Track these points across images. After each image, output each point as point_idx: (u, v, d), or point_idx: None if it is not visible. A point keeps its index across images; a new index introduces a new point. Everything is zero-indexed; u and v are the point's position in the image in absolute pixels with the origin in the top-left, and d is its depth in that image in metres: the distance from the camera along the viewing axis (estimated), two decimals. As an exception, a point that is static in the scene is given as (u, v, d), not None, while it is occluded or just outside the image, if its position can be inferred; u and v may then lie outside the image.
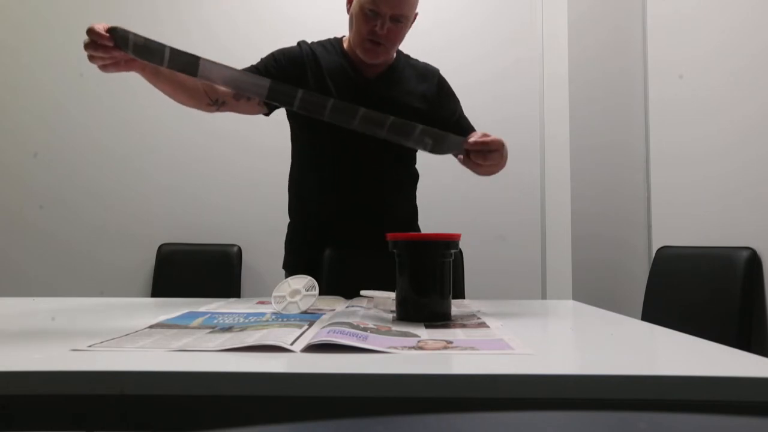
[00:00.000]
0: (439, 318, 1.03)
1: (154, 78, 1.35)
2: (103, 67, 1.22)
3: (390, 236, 1.07)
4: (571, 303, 1.48)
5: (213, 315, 1.09)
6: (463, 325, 0.98)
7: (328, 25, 1.89)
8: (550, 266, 2.81)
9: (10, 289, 2.73)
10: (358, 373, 0.66)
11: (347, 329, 0.86)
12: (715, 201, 2.31)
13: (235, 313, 1.11)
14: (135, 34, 1.18)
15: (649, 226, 2.72)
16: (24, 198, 2.89)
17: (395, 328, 0.94)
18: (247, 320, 1.01)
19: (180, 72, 1.26)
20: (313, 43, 1.61)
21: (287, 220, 1.68)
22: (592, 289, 2.75)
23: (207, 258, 2.83)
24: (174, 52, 1.22)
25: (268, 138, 2.57)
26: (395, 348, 0.78)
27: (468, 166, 1.42)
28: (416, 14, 1.51)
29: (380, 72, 1.58)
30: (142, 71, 1.30)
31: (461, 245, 1.24)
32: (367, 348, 0.76)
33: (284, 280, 1.19)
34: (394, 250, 1.05)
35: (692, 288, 2.19)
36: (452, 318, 1.06)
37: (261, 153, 2.82)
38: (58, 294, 1.89)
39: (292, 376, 0.66)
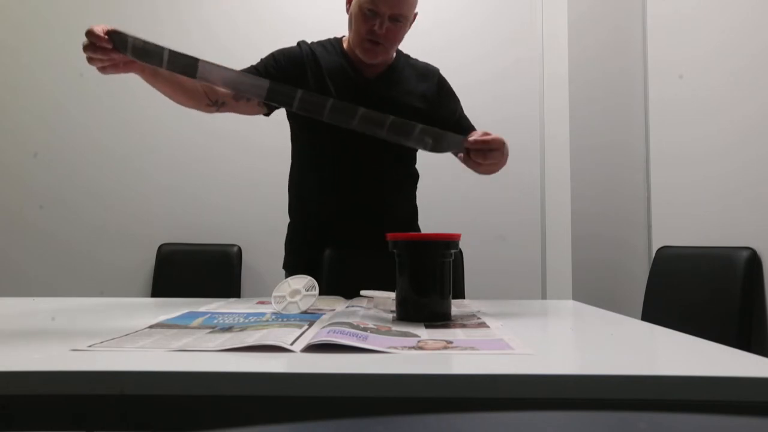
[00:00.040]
0: (439, 318, 1.03)
1: (153, 79, 1.35)
2: (102, 69, 1.22)
3: (390, 236, 1.06)
4: (571, 303, 1.48)
5: (213, 315, 1.09)
6: (463, 325, 0.98)
7: (328, 25, 1.89)
8: (550, 266, 2.81)
9: (10, 289, 2.73)
10: (358, 373, 0.66)
11: (347, 329, 0.86)
12: (715, 201, 2.31)
13: (235, 313, 1.11)
14: (134, 37, 1.18)
15: (649, 226, 2.71)
16: (24, 198, 2.89)
17: (395, 328, 0.94)
18: (247, 320, 1.01)
19: (179, 74, 1.26)
20: (312, 43, 1.61)
21: (287, 220, 1.68)
22: (592, 289, 2.75)
23: (207, 258, 2.83)
24: (173, 54, 1.22)
25: (268, 138, 2.57)
26: (395, 348, 0.78)
27: (469, 165, 1.42)
28: (416, 14, 1.51)
29: (380, 72, 1.58)
30: (141, 73, 1.30)
31: (461, 245, 1.24)
32: (367, 348, 0.76)
33: (284, 280, 1.19)
34: (394, 250, 1.05)
35: (692, 288, 2.18)
36: (452, 318, 1.06)
37: (261, 153, 2.82)
38: (58, 294, 1.89)
39: (292, 376, 0.66)
